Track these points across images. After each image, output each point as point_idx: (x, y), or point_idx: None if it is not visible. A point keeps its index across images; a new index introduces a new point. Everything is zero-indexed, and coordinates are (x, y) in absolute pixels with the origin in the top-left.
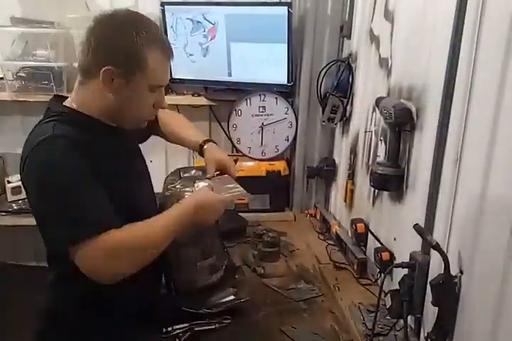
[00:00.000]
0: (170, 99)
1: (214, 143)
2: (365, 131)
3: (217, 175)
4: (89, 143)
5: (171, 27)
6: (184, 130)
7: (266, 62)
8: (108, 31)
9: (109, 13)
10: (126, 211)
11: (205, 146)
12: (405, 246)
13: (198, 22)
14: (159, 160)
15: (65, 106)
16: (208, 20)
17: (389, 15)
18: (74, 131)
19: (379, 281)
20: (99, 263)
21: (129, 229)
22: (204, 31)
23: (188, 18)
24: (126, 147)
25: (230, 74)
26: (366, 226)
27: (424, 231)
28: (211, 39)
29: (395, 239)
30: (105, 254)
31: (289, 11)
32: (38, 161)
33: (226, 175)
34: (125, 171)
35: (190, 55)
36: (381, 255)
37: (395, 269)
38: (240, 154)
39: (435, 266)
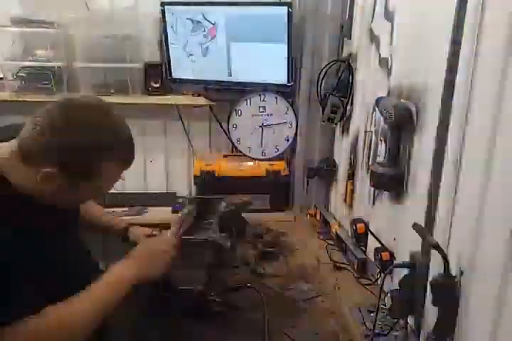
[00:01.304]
0: (170, 99)
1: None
2: (365, 131)
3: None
4: (7, 223)
5: (171, 27)
6: (104, 217)
7: (266, 62)
8: (70, 131)
9: (80, 104)
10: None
11: (130, 228)
12: (405, 246)
13: (198, 22)
14: (159, 160)
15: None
16: (207, 20)
17: (389, 15)
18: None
19: (379, 281)
20: None
21: (56, 312)
22: (204, 31)
23: (188, 18)
24: (52, 218)
25: (230, 74)
26: (366, 226)
27: (424, 230)
28: (211, 39)
29: (395, 239)
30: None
31: (289, 10)
32: None
33: None
34: (51, 242)
35: (190, 54)
36: (381, 255)
37: (395, 269)
38: (240, 154)
39: (435, 266)
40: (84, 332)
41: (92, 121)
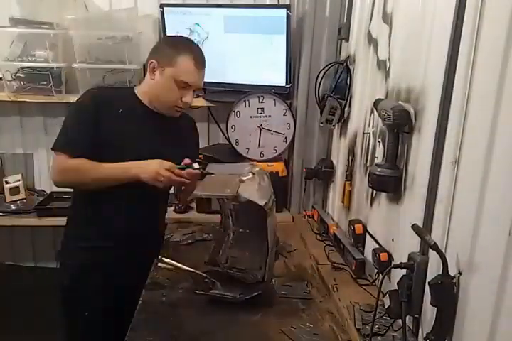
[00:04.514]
0: None
1: None
2: (364, 133)
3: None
4: (112, 103)
5: (171, 28)
6: None
7: (264, 64)
8: (164, 42)
9: (173, 35)
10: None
11: None
12: (403, 246)
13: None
14: None
15: (132, 88)
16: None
17: (387, 18)
18: (115, 94)
19: (377, 282)
20: (53, 171)
21: (85, 160)
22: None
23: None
24: (154, 126)
25: (228, 76)
26: (364, 227)
27: (422, 231)
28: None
29: (393, 239)
30: (59, 168)
31: (287, 13)
32: (76, 101)
33: None
34: (130, 132)
35: None
36: (379, 256)
37: (393, 270)
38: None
39: (433, 267)
40: (89, 180)
41: (179, 39)
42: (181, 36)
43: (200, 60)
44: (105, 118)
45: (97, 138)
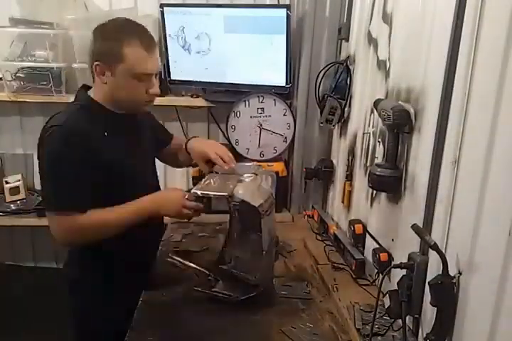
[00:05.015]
0: (168, 100)
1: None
2: (364, 133)
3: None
4: (89, 130)
5: (171, 28)
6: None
7: (264, 64)
8: (99, 37)
9: (102, 24)
10: (120, 180)
11: (188, 145)
12: (403, 247)
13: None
14: (157, 161)
15: (88, 95)
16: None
17: (387, 18)
18: (83, 119)
19: (377, 282)
20: (61, 234)
21: (96, 215)
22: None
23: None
24: (130, 133)
25: (228, 76)
26: (364, 227)
27: (422, 231)
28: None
29: (393, 239)
30: (69, 230)
31: (287, 13)
32: (47, 147)
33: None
34: (124, 150)
35: (189, 56)
36: (379, 256)
37: (393, 270)
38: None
39: (433, 267)
40: (108, 234)
41: (112, 25)
42: (113, 20)
43: (148, 42)
44: (95, 151)
45: (97, 177)
